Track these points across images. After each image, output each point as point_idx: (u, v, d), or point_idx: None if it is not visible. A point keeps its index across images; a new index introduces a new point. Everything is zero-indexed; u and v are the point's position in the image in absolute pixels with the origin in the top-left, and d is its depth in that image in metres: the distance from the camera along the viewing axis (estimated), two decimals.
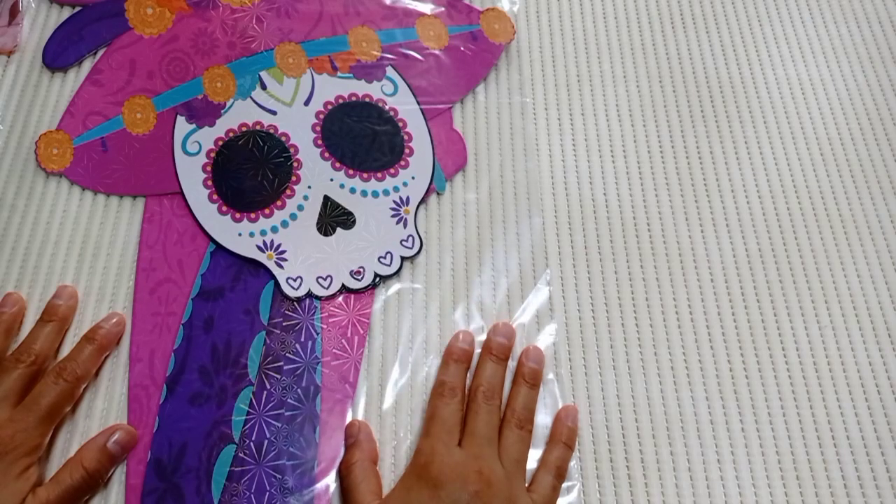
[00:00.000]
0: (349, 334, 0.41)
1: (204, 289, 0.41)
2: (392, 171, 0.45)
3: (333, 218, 0.43)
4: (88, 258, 0.42)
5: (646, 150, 0.47)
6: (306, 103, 0.46)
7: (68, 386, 0.37)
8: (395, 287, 0.43)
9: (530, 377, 0.40)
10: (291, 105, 0.46)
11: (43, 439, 0.36)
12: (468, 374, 0.40)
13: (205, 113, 0.46)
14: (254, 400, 0.39)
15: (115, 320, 0.40)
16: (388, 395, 0.40)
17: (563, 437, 0.39)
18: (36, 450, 0.36)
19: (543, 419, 0.39)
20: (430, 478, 0.35)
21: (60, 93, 0.47)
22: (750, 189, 0.47)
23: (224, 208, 0.43)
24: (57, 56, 0.47)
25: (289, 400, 0.39)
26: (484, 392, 0.38)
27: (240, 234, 0.43)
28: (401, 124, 0.46)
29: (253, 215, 0.43)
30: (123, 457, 0.37)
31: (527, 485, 0.37)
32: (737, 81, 0.50)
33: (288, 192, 0.44)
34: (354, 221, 0.43)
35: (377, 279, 0.42)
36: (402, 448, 0.39)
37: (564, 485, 0.38)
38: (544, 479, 0.37)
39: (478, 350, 0.41)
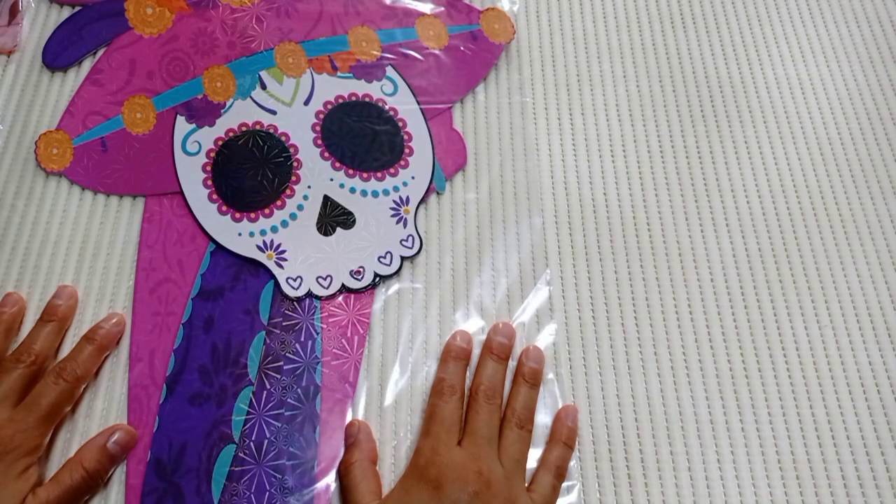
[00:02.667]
0: (349, 334, 0.41)
1: (204, 289, 0.41)
2: (392, 170, 0.45)
3: (333, 218, 0.43)
4: (88, 258, 0.42)
5: (646, 149, 0.47)
6: (306, 103, 0.46)
7: (68, 386, 0.37)
8: (395, 287, 0.43)
9: (530, 377, 0.40)
10: (291, 105, 0.46)
11: (43, 439, 0.36)
12: (467, 374, 0.40)
13: (205, 113, 0.46)
14: (254, 400, 0.39)
15: (114, 320, 0.40)
16: (388, 394, 0.40)
17: (563, 436, 0.39)
18: (36, 450, 0.36)
19: (543, 419, 0.39)
20: (429, 479, 0.35)
21: (60, 93, 0.47)
22: (750, 189, 0.47)
23: (224, 208, 0.43)
24: (57, 56, 0.47)
25: (289, 400, 0.39)
26: (485, 391, 0.38)
27: (240, 234, 0.43)
28: (401, 124, 0.46)
29: (253, 215, 0.43)
30: (123, 457, 0.37)
31: (527, 484, 0.37)
32: (737, 81, 0.50)
33: (288, 191, 0.44)
34: (354, 221, 0.43)
35: (377, 279, 0.42)
36: (403, 448, 0.39)
37: (564, 485, 0.38)
38: (544, 479, 0.37)
39: (477, 350, 0.41)
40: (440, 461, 0.36)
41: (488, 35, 0.50)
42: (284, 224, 0.43)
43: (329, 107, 0.46)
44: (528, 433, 0.38)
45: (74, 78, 0.47)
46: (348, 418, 0.39)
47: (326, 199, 0.44)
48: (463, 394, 0.39)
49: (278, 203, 0.43)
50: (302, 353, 0.40)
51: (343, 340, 0.41)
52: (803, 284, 0.44)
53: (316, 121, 0.46)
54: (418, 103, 0.47)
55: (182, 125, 0.45)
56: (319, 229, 0.43)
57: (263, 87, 0.47)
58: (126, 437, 0.37)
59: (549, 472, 0.37)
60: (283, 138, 0.45)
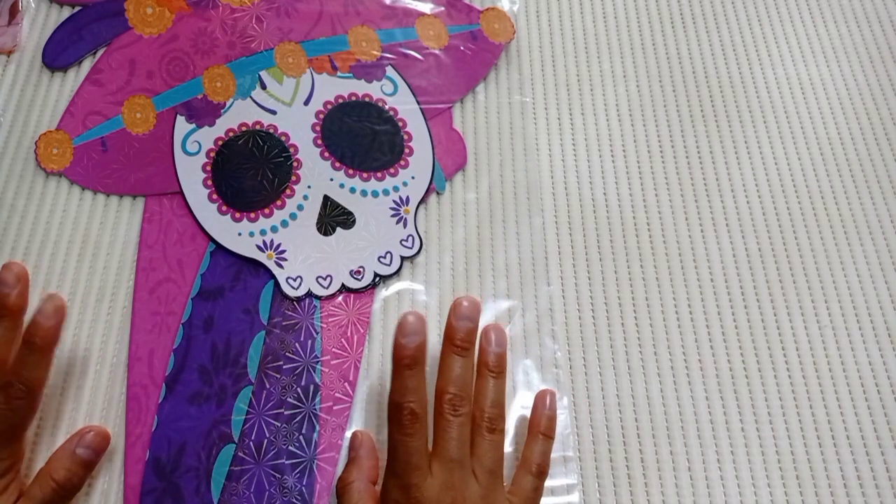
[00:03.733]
0: (349, 334, 0.41)
1: (204, 288, 0.41)
2: (392, 170, 0.45)
3: (333, 217, 0.43)
4: (88, 258, 0.42)
5: (646, 149, 0.47)
6: (306, 103, 0.46)
7: (21, 403, 0.34)
8: (394, 287, 0.43)
9: (495, 365, 0.37)
10: (291, 105, 0.46)
11: (13, 459, 0.34)
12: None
13: (205, 112, 0.46)
14: (253, 399, 0.39)
15: (52, 308, 0.35)
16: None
17: (542, 427, 0.37)
18: (8, 471, 0.34)
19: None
20: None
21: (60, 92, 0.47)
22: (750, 189, 0.46)
23: (224, 208, 0.43)
24: (56, 56, 0.47)
25: (288, 399, 0.39)
26: (451, 401, 0.35)
27: (239, 234, 0.43)
28: (400, 124, 0.46)
29: (253, 215, 0.43)
30: (97, 460, 0.36)
31: (507, 483, 0.36)
32: (737, 81, 0.50)
33: (288, 191, 0.44)
34: (354, 221, 0.43)
35: (377, 279, 0.42)
36: None
37: (564, 483, 0.38)
38: (525, 481, 0.36)
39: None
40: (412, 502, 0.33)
41: (488, 35, 0.50)
42: (284, 224, 0.43)
43: (329, 107, 0.46)
44: (501, 433, 0.36)
45: (74, 78, 0.47)
46: (348, 419, 0.39)
47: (326, 198, 0.44)
48: (426, 415, 0.35)
49: (278, 203, 0.43)
50: (302, 353, 0.40)
51: (343, 340, 0.41)
52: (803, 284, 0.44)
53: (316, 121, 0.46)
54: (418, 103, 0.47)
55: (182, 125, 0.45)
56: (319, 229, 0.43)
57: (263, 86, 0.47)
58: (96, 438, 0.36)
59: (529, 473, 0.36)
60: (283, 138, 0.45)
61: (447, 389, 0.35)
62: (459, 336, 0.36)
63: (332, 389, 0.39)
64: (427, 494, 0.33)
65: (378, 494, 0.35)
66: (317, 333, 0.41)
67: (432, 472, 0.34)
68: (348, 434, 0.39)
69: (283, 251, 0.42)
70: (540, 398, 0.39)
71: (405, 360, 0.35)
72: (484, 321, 0.42)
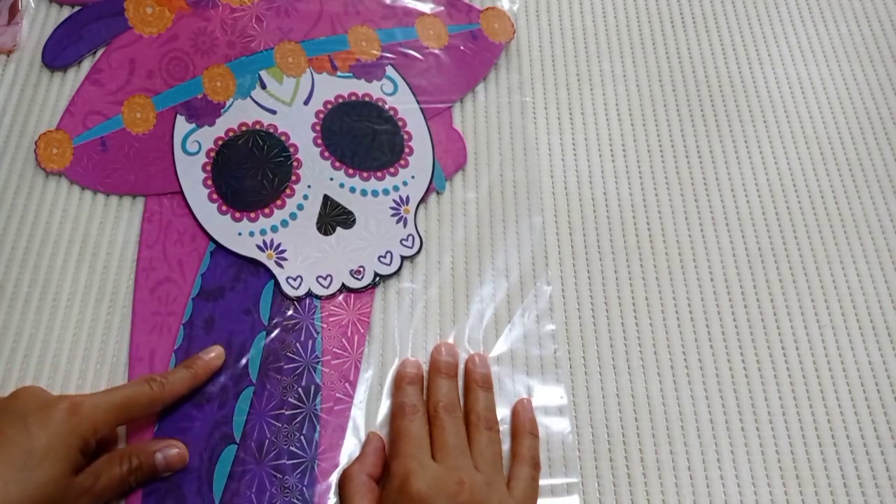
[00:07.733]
0: (349, 333, 0.41)
1: (204, 288, 0.41)
2: (392, 170, 0.45)
3: (333, 217, 0.43)
4: (88, 258, 0.42)
5: (646, 149, 0.48)
6: (306, 102, 0.46)
7: (148, 389, 0.36)
8: (395, 286, 0.43)
9: (483, 381, 0.39)
10: (291, 104, 0.46)
11: (103, 424, 0.35)
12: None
13: (204, 112, 0.46)
14: (254, 400, 0.39)
15: (213, 354, 0.39)
16: (388, 394, 0.40)
17: (528, 427, 0.38)
18: (94, 432, 0.34)
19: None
20: (411, 497, 0.33)
21: (60, 92, 0.47)
22: (750, 188, 0.47)
23: (224, 208, 0.43)
24: (56, 55, 0.47)
25: (289, 399, 0.39)
26: (444, 406, 0.37)
27: (240, 234, 0.43)
28: (400, 123, 0.46)
29: (253, 215, 0.43)
30: (164, 474, 0.37)
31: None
32: (736, 80, 0.50)
33: (288, 191, 0.44)
34: (354, 221, 0.43)
35: (377, 278, 0.42)
36: None
37: (564, 482, 0.38)
38: (522, 472, 0.37)
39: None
40: (416, 478, 0.34)
41: (488, 34, 0.50)
42: (284, 224, 0.43)
43: (329, 106, 0.46)
44: (497, 433, 0.38)
45: (74, 78, 0.47)
46: (349, 418, 0.39)
47: (326, 198, 0.44)
48: (425, 412, 0.38)
49: (278, 203, 0.43)
50: (302, 353, 0.40)
51: (343, 340, 0.41)
52: (803, 284, 0.44)
53: (316, 120, 0.46)
54: (418, 103, 0.47)
55: (182, 125, 0.45)
56: (319, 229, 0.43)
57: (263, 86, 0.47)
58: (177, 458, 0.37)
59: (525, 464, 0.37)
60: (283, 138, 0.45)
61: (440, 400, 0.38)
62: (443, 366, 0.40)
63: (332, 389, 0.39)
64: (432, 472, 0.34)
65: (377, 490, 0.36)
66: (317, 333, 0.41)
67: (435, 458, 0.35)
68: (350, 434, 0.39)
69: (283, 251, 0.42)
70: (521, 404, 0.40)
71: (407, 378, 0.39)
72: (484, 319, 0.42)
